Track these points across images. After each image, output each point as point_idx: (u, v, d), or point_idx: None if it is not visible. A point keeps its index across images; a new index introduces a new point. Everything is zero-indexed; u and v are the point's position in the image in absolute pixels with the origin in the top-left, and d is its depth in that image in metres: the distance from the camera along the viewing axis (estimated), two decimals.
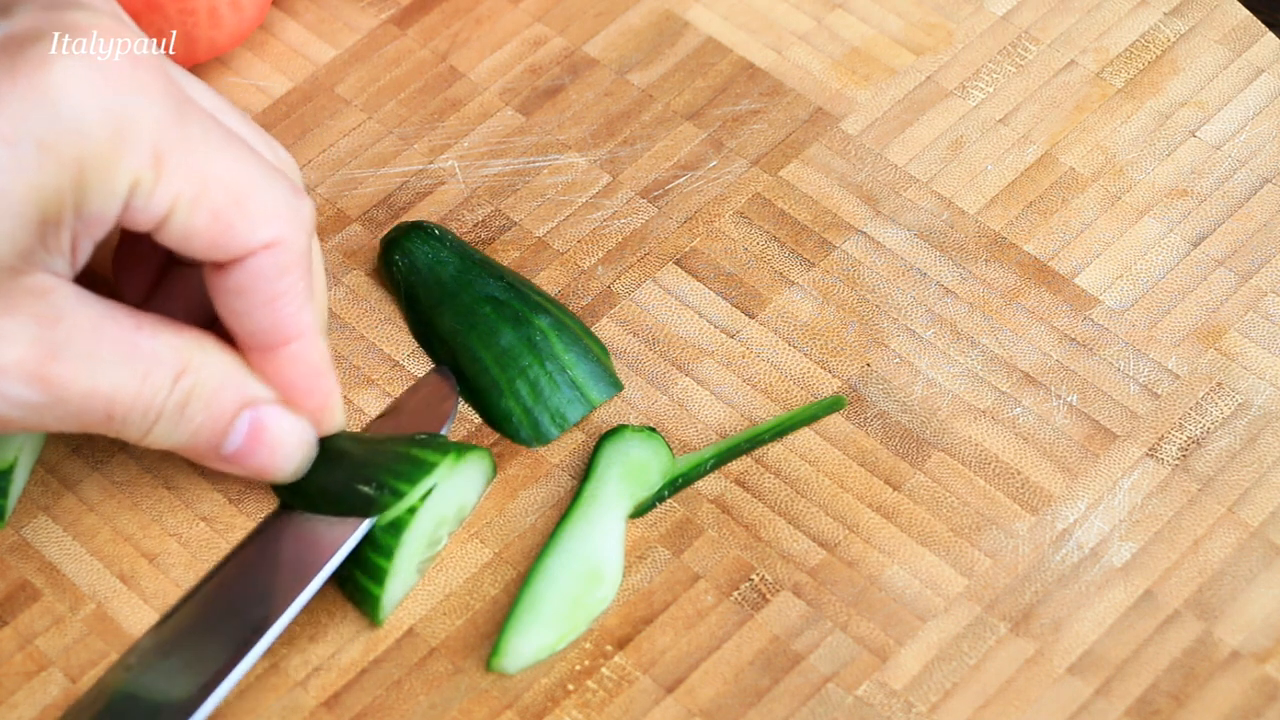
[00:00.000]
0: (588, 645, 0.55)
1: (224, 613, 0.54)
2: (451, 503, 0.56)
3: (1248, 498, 0.56)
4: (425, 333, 0.60)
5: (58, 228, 0.50)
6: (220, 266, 0.52)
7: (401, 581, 0.55)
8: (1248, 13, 0.66)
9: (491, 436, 0.58)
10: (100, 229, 0.50)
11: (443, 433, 0.58)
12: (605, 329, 0.60)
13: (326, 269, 0.61)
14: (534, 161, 0.64)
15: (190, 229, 0.51)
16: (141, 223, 0.51)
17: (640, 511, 0.57)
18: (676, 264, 0.61)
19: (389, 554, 0.54)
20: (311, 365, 0.54)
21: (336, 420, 0.56)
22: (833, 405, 0.58)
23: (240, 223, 0.51)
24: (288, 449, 0.54)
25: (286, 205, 0.52)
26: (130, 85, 0.49)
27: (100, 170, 0.49)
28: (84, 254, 0.51)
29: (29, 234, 0.49)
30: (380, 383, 0.59)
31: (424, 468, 0.55)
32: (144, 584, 0.56)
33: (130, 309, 0.52)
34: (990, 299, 0.60)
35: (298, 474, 0.55)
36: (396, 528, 0.54)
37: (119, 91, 0.49)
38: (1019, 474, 0.57)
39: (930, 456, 0.57)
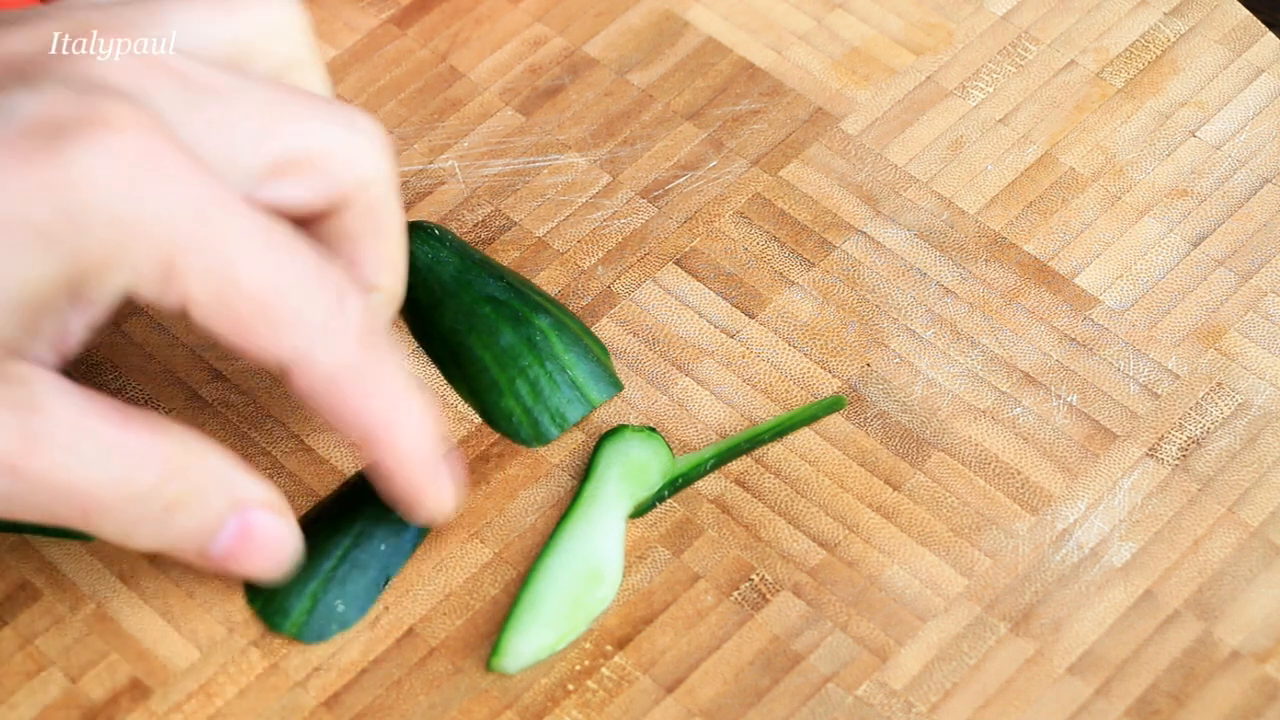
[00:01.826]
0: (588, 645, 0.55)
1: None
2: None
3: (1248, 498, 0.56)
4: (425, 333, 0.60)
5: (47, 317, 0.47)
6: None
7: None
8: (1248, 13, 0.66)
9: (492, 437, 0.58)
10: (95, 319, 0.48)
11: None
12: (605, 329, 0.60)
13: None
14: (534, 161, 0.64)
15: (209, 329, 0.48)
16: (157, 308, 0.48)
17: (640, 511, 0.57)
18: (676, 264, 0.61)
19: None
20: (400, 458, 0.51)
21: (441, 510, 0.53)
22: (833, 405, 0.58)
23: (264, 334, 0.48)
24: (273, 555, 0.51)
25: (323, 314, 0.48)
26: (149, 184, 0.46)
27: (99, 269, 0.47)
28: (75, 340, 0.48)
29: (14, 322, 0.47)
30: None
31: None
32: (144, 584, 0.56)
33: (117, 404, 0.48)
34: (990, 299, 0.60)
35: (279, 579, 0.53)
36: None
37: (134, 190, 0.46)
38: (1019, 474, 0.57)
39: (930, 456, 0.57)
